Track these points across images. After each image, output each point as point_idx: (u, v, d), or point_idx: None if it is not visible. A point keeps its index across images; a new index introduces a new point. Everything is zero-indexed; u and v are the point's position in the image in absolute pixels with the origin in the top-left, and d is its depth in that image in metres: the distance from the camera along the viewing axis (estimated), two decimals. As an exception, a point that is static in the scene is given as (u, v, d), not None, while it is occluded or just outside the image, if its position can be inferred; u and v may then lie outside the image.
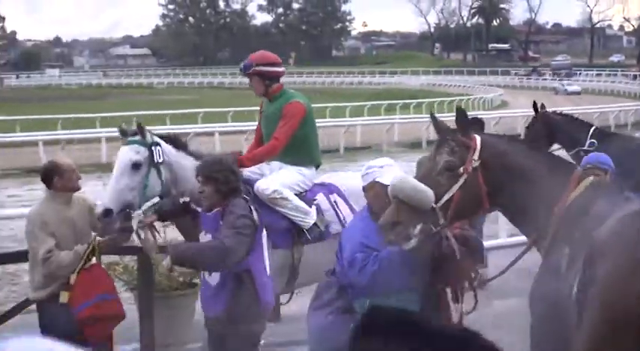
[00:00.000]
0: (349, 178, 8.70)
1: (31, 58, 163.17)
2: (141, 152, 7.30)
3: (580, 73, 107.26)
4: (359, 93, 78.47)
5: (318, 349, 6.40)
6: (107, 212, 7.11)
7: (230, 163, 7.11)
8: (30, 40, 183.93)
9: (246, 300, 7.07)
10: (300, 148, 8.36)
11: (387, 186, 6.07)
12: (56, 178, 7.37)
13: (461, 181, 6.07)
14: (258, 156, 8.25)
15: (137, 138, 7.42)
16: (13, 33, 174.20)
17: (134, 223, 7.46)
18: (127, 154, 7.33)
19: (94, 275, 7.32)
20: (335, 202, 8.23)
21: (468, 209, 6.31)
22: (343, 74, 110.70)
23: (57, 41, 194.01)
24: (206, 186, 6.87)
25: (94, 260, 7.37)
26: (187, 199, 7.48)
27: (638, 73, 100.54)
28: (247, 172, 7.92)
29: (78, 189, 7.58)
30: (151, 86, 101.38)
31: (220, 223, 6.95)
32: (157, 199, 7.47)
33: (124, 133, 7.59)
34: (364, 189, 6.42)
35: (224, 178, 6.84)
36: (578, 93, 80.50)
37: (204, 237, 7.08)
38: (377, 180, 6.27)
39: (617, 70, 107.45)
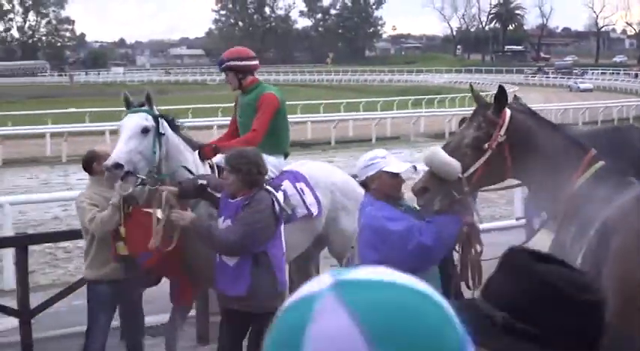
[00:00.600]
0: (315, 167, 8.44)
1: (98, 57, 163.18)
2: (149, 120, 6.93)
3: (585, 73, 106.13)
4: (389, 89, 78.17)
5: None
6: (118, 165, 6.61)
7: (255, 157, 6.80)
8: (97, 42, 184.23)
9: (266, 279, 6.81)
10: (271, 138, 7.94)
11: (394, 174, 5.95)
12: (95, 164, 7.16)
13: (486, 156, 5.87)
14: (238, 145, 7.64)
15: (145, 107, 7.05)
16: (82, 35, 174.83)
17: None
18: (137, 119, 6.92)
19: (138, 219, 7.01)
20: (301, 189, 7.76)
21: (491, 180, 6.18)
22: (375, 72, 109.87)
23: (121, 42, 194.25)
24: (231, 175, 6.68)
25: (130, 209, 7.02)
26: (205, 182, 7.06)
27: (639, 72, 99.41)
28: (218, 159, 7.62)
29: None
30: (204, 83, 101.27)
31: (240, 212, 6.71)
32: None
33: (128, 103, 7.17)
34: (368, 180, 6.00)
35: (247, 169, 6.61)
36: (590, 90, 78.98)
37: (223, 223, 6.79)
38: (384, 169, 5.94)
39: (620, 70, 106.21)
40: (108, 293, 7.22)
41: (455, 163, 5.74)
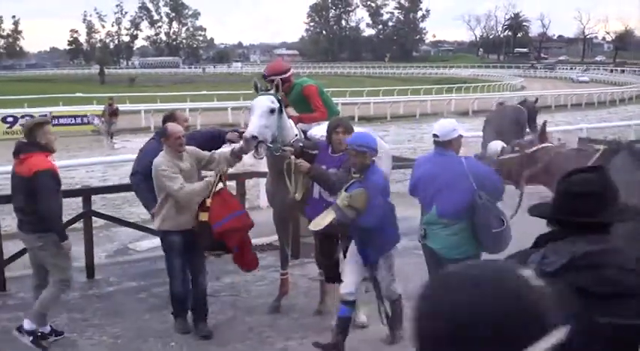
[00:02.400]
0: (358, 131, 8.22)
1: (223, 55, 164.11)
2: (274, 102, 6.68)
3: (556, 67, 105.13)
4: (429, 80, 77.29)
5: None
6: (254, 137, 6.34)
7: (350, 125, 6.90)
8: (222, 44, 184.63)
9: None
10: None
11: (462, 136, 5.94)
12: (163, 139, 6.52)
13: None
14: (312, 119, 7.54)
15: (272, 91, 6.79)
16: (212, 39, 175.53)
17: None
18: (266, 101, 6.65)
19: (224, 197, 6.51)
20: None
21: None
22: (419, 68, 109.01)
23: (239, 45, 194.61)
24: (342, 136, 6.54)
25: (220, 185, 6.54)
26: (302, 144, 6.86)
27: (613, 68, 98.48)
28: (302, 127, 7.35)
29: (181, 151, 6.51)
30: (297, 75, 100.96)
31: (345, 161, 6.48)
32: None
33: (256, 87, 6.83)
34: (452, 140, 5.76)
35: (350, 131, 6.65)
36: (587, 82, 75.32)
37: (332, 171, 6.54)
38: (460, 134, 5.89)
39: (600, 66, 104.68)
40: (180, 241, 6.55)
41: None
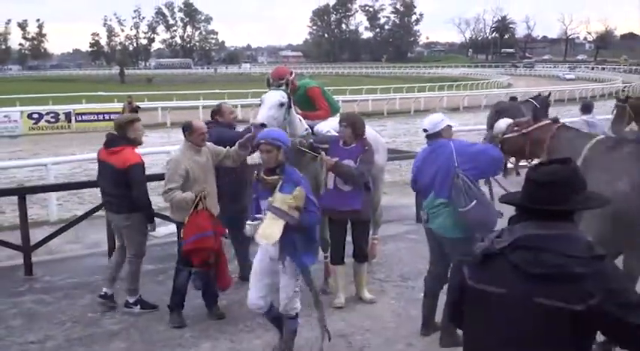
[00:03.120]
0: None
1: (233, 57, 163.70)
2: (284, 97, 6.74)
3: (534, 66, 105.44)
4: (423, 78, 77.06)
5: (490, 226, 5.42)
6: (263, 125, 6.35)
7: (359, 117, 7.11)
8: (232, 46, 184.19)
9: (368, 199, 6.99)
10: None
11: (451, 126, 5.90)
12: (187, 133, 6.48)
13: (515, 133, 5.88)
14: (316, 116, 7.57)
15: (283, 87, 6.85)
16: (223, 42, 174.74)
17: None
18: (277, 95, 6.71)
19: (199, 218, 6.21)
20: None
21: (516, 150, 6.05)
22: (413, 67, 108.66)
23: (248, 47, 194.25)
24: (348, 129, 6.66)
25: (200, 207, 6.23)
26: (311, 139, 6.96)
27: (594, 66, 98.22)
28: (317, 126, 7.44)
29: (202, 146, 6.52)
30: (302, 75, 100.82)
31: (362, 153, 6.67)
32: None
33: (268, 83, 6.95)
34: (441, 131, 5.79)
35: (358, 125, 6.74)
36: (573, 79, 72.79)
37: (345, 162, 6.63)
38: (448, 124, 5.86)
39: (581, 65, 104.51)
40: None
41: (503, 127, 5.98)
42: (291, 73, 7.68)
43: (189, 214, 6.23)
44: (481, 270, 2.68)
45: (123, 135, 6.71)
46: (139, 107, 27.23)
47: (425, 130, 5.90)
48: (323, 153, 6.63)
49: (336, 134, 6.97)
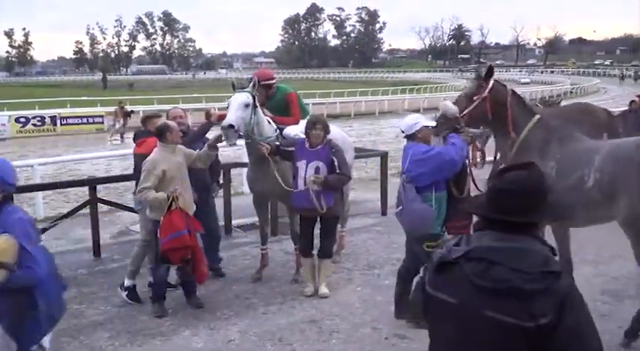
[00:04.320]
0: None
1: (209, 63, 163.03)
2: (249, 98, 6.65)
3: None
4: (386, 82, 77.23)
5: (421, 229, 5.64)
6: (231, 126, 6.35)
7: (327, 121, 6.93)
8: (209, 53, 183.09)
9: (339, 197, 6.92)
10: (301, 113, 7.85)
11: (427, 126, 5.77)
12: (167, 133, 6.32)
13: (474, 104, 5.72)
14: (284, 122, 7.42)
15: (248, 89, 6.74)
16: (200, 49, 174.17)
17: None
18: (242, 96, 6.62)
19: (172, 217, 6.06)
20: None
21: (476, 122, 5.97)
22: (378, 72, 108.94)
23: (224, 54, 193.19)
24: (321, 132, 6.58)
25: (174, 207, 6.07)
26: (278, 142, 6.86)
27: (544, 70, 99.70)
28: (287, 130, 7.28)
29: (179, 143, 6.47)
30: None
31: (329, 156, 6.56)
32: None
33: (234, 86, 6.88)
34: (416, 132, 5.74)
35: (327, 128, 6.69)
36: (528, 83, 70.45)
37: (311, 163, 6.53)
38: (424, 125, 5.77)
39: (532, 69, 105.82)
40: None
41: (455, 107, 5.73)
42: (274, 78, 7.81)
43: (163, 214, 6.13)
44: (437, 277, 2.44)
45: (146, 129, 7.07)
46: (132, 112, 26.80)
47: (402, 131, 5.90)
48: (314, 176, 6.47)
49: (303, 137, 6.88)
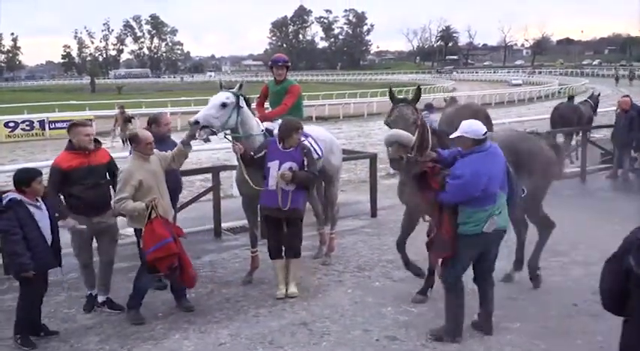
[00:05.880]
0: (315, 129, 8.15)
1: (198, 66, 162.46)
2: (230, 98, 6.66)
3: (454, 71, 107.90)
4: (374, 84, 77.36)
5: None
6: (196, 121, 6.42)
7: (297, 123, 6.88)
8: (197, 56, 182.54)
9: (305, 198, 6.98)
10: (293, 111, 7.90)
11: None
12: (134, 144, 6.31)
13: (418, 129, 5.82)
14: (272, 115, 7.69)
15: (233, 89, 6.79)
16: (188, 52, 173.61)
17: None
18: (221, 96, 6.67)
19: (153, 227, 5.98)
20: (310, 141, 7.40)
21: (425, 145, 5.89)
22: (366, 74, 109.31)
23: (212, 57, 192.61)
24: (296, 134, 6.66)
25: (153, 215, 6.00)
26: (251, 153, 6.78)
27: (531, 71, 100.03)
28: (267, 125, 7.39)
29: (150, 154, 6.31)
30: (263, 82, 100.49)
31: (302, 156, 6.66)
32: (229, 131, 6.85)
33: (221, 86, 6.91)
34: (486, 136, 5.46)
35: (300, 129, 6.75)
36: (520, 85, 68.83)
37: (284, 164, 6.59)
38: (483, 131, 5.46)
39: (519, 69, 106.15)
40: None
41: (410, 135, 5.73)
42: (287, 61, 8.25)
43: (144, 224, 6.04)
44: None
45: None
46: (132, 117, 26.49)
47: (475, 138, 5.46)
48: (280, 171, 6.56)
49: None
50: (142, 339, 5.96)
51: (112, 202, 6.41)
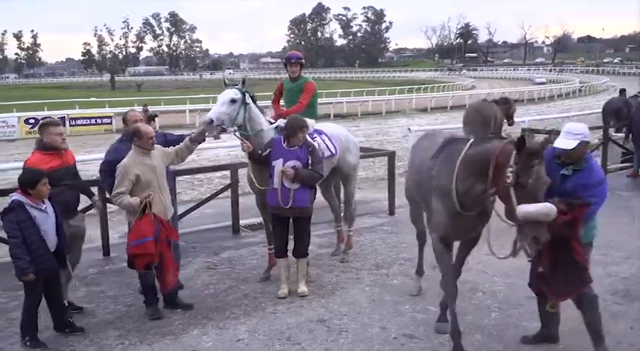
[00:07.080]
0: (331, 126, 8.15)
1: (217, 64, 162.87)
2: (237, 94, 6.68)
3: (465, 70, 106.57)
4: (393, 82, 77.31)
5: None
6: (211, 121, 6.41)
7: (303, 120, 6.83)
8: (216, 54, 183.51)
9: (313, 197, 6.92)
10: (309, 109, 7.89)
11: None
12: (136, 139, 6.20)
13: None
14: (289, 113, 7.49)
15: (238, 86, 6.79)
16: (207, 50, 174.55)
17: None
18: (229, 93, 6.68)
19: (142, 223, 5.96)
20: (323, 139, 7.54)
21: None
22: (384, 72, 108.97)
23: (230, 55, 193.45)
24: (300, 133, 6.63)
25: (147, 211, 5.96)
26: (260, 151, 6.77)
27: (552, 68, 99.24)
28: (280, 122, 7.29)
29: (151, 149, 6.25)
30: (282, 79, 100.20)
31: (307, 155, 6.64)
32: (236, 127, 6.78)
33: (225, 83, 6.89)
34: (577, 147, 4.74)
35: (305, 127, 6.74)
36: (544, 83, 66.97)
37: (289, 162, 6.58)
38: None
39: (540, 67, 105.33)
40: None
41: (552, 206, 4.38)
42: (301, 58, 8.18)
43: (135, 219, 6.03)
44: None
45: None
46: (156, 115, 26.62)
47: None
48: (283, 167, 6.57)
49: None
50: (161, 334, 6.01)
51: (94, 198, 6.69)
